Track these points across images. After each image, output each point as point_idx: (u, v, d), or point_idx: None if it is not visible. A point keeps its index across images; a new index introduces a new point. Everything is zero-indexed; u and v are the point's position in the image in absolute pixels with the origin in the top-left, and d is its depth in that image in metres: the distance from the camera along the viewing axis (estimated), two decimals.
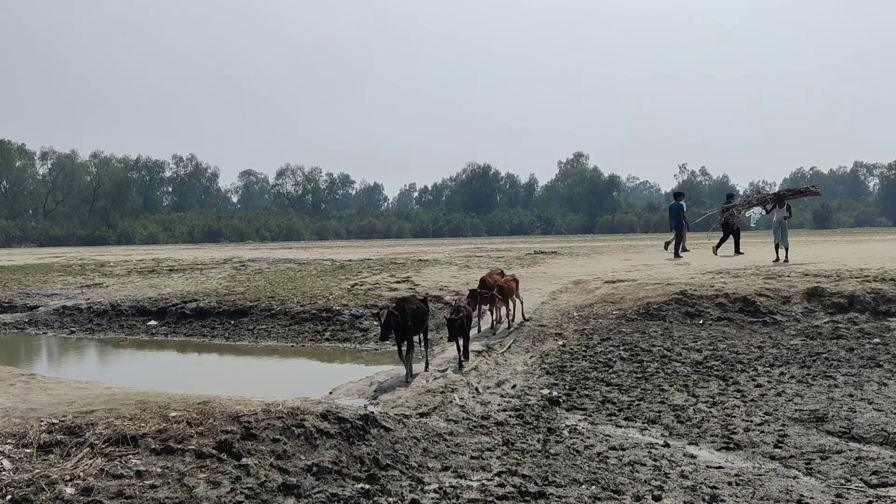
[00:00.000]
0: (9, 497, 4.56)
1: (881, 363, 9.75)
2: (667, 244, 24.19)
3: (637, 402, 8.43)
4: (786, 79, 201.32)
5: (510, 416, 7.87)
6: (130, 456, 5.25)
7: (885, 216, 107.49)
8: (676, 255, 21.92)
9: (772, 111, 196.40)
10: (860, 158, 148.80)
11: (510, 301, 12.66)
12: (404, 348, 9.53)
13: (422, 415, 7.55)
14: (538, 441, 6.95)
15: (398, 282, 18.41)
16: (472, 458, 6.29)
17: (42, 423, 5.74)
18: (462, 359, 10.11)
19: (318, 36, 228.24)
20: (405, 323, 9.23)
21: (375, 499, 5.20)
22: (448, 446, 6.57)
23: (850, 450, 6.66)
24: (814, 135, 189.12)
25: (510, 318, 12.72)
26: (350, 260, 25.01)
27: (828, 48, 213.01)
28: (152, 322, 17.15)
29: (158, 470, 5.09)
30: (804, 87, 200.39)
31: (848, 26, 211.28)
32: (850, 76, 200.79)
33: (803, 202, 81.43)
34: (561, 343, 11.62)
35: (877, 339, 11.05)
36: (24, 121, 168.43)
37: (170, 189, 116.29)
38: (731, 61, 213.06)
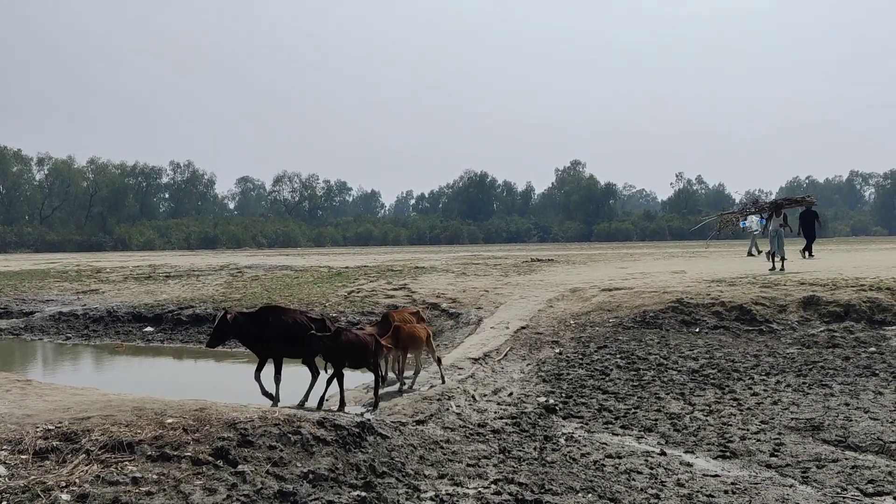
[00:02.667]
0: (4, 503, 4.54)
1: (877, 372, 9.77)
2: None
3: (633, 411, 8.44)
4: (782, 88, 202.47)
5: (507, 423, 7.86)
6: (126, 462, 5.24)
7: (880, 225, 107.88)
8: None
9: (769, 119, 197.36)
10: (856, 168, 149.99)
11: (418, 353, 9.23)
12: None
13: (418, 422, 7.54)
14: (535, 449, 6.95)
15: (395, 289, 18.42)
16: (468, 465, 6.29)
17: (38, 430, 5.72)
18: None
19: (316, 40, 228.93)
20: (257, 334, 7.96)
21: None
22: (445, 454, 6.56)
23: (846, 458, 6.68)
24: (810, 144, 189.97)
25: (410, 378, 9.13)
26: (347, 267, 25.00)
27: (823, 55, 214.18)
28: (148, 328, 17.13)
29: (154, 477, 5.08)
30: (801, 95, 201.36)
31: (848, 28, 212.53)
32: (847, 84, 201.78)
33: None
34: (558, 351, 11.62)
35: (872, 348, 11.08)
36: (21, 126, 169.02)
37: (167, 195, 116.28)
38: (729, 68, 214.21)
